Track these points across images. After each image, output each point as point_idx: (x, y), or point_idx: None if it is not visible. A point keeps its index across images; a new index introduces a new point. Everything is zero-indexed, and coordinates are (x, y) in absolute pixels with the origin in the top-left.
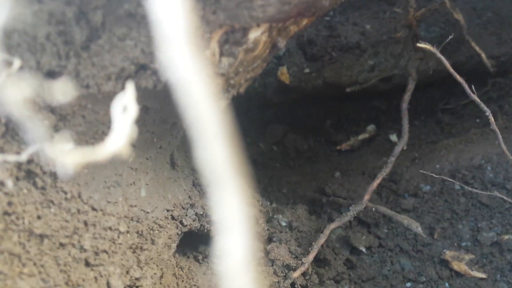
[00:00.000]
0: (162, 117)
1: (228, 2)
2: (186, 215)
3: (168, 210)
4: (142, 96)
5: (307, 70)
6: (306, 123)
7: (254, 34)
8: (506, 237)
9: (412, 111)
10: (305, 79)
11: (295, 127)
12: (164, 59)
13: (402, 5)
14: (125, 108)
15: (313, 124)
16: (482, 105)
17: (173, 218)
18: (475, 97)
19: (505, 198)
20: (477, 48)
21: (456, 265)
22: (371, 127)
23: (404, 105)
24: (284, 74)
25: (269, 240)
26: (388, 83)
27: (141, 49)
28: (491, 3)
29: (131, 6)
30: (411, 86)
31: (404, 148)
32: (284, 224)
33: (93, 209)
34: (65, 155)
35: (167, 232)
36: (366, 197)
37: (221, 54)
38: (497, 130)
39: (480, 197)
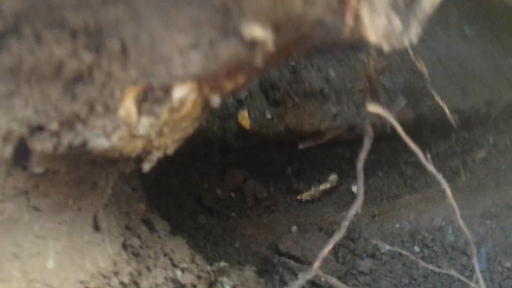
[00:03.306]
0: (77, 178)
1: (140, 58)
2: (108, 285)
3: (82, 282)
4: (42, 159)
5: (268, 116)
6: (267, 169)
7: (180, 93)
8: None
9: (376, 161)
10: (266, 125)
11: (255, 173)
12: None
13: (367, 54)
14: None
15: (275, 171)
16: (439, 176)
17: None
18: (430, 166)
19: (460, 277)
20: (440, 102)
21: None
22: (333, 177)
23: (360, 165)
24: (245, 118)
25: None
26: (351, 133)
27: (34, 107)
28: (457, 54)
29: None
30: (366, 145)
31: (359, 212)
32: None
33: None
34: None
35: None
36: (316, 264)
37: (140, 113)
38: (454, 204)
39: (440, 262)
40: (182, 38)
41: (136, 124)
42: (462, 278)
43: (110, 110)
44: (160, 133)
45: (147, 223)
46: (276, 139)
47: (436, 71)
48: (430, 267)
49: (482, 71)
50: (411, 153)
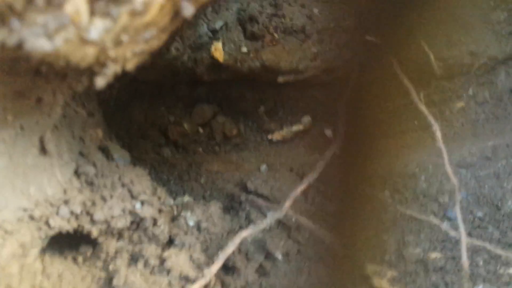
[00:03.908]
0: (17, 91)
1: None
2: (56, 214)
3: (25, 209)
4: None
5: (244, 49)
6: (239, 106)
7: None
8: (433, 255)
9: None
10: (241, 59)
11: (226, 109)
12: None
13: None
14: None
15: (247, 108)
16: (430, 118)
17: (32, 218)
18: (423, 107)
19: (440, 224)
20: (426, 48)
21: (377, 282)
22: (306, 119)
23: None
24: (218, 50)
25: (170, 243)
26: (330, 75)
27: None
28: (446, 2)
29: None
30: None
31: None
32: (191, 224)
33: None
34: None
35: (17, 239)
36: (287, 203)
37: (92, 13)
38: (443, 147)
39: (411, 207)
40: None
41: (87, 25)
42: (441, 224)
43: (53, 3)
44: (117, 41)
45: (104, 151)
46: (250, 75)
47: (423, 18)
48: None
49: (470, 22)
50: (387, 98)
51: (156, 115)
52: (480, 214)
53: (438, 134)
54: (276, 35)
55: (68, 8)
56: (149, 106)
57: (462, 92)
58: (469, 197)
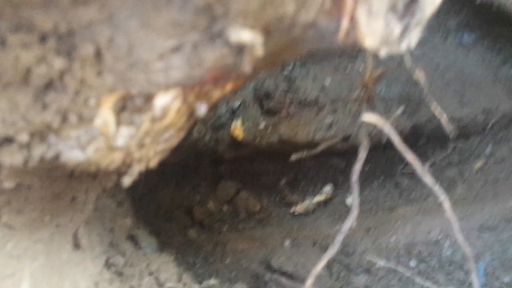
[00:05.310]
0: (53, 193)
1: (116, 63)
2: None
3: None
4: (12, 173)
5: (262, 126)
6: (260, 180)
7: (162, 101)
8: None
9: (371, 172)
10: (260, 135)
11: (248, 185)
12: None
13: (363, 61)
14: None
15: (268, 182)
16: (436, 189)
17: None
18: (427, 178)
19: None
20: (437, 111)
21: None
22: (327, 188)
23: (355, 177)
24: (237, 128)
25: None
26: (346, 143)
27: (1, 117)
28: (455, 63)
29: None
30: (362, 156)
31: (353, 226)
32: None
33: None
34: None
35: None
36: (309, 282)
37: (119, 123)
38: (453, 217)
39: (436, 277)
40: (162, 42)
41: (115, 134)
42: None
43: (84, 119)
44: (141, 145)
45: (133, 239)
46: (269, 150)
47: (433, 80)
48: (426, 284)
49: (480, 80)
50: (407, 163)
51: (182, 196)
52: (507, 279)
53: (446, 205)
54: (291, 108)
55: (98, 122)
56: (175, 188)
57: (480, 151)
58: (494, 262)
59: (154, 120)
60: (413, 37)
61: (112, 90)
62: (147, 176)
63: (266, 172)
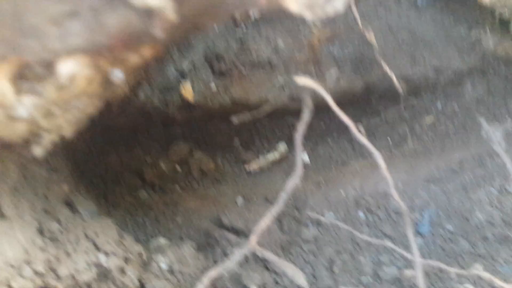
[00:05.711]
0: None
1: (4, 30)
2: (19, 275)
3: None
4: None
5: (214, 88)
6: (214, 140)
7: (66, 68)
8: (408, 273)
9: (326, 129)
10: (211, 97)
11: (202, 145)
12: None
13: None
14: None
15: (223, 142)
16: (370, 146)
17: None
18: (362, 138)
19: (396, 248)
20: (387, 70)
21: None
22: (282, 147)
23: (298, 137)
24: (187, 90)
25: None
26: (299, 102)
27: None
28: (408, 24)
29: None
30: (305, 116)
31: (297, 184)
32: (164, 267)
33: None
34: None
35: None
36: (253, 239)
37: (19, 92)
38: (387, 175)
39: (383, 227)
40: (53, 7)
41: (14, 104)
42: (397, 248)
43: None
44: (48, 114)
45: (70, 205)
46: (222, 111)
47: (386, 40)
48: (365, 237)
49: (432, 40)
50: (361, 119)
51: (132, 158)
52: (450, 227)
53: (381, 163)
54: (243, 70)
55: None
56: (125, 151)
57: (431, 108)
58: (439, 212)
59: (60, 88)
60: (340, 1)
61: (3, 58)
62: (91, 140)
63: (220, 132)
